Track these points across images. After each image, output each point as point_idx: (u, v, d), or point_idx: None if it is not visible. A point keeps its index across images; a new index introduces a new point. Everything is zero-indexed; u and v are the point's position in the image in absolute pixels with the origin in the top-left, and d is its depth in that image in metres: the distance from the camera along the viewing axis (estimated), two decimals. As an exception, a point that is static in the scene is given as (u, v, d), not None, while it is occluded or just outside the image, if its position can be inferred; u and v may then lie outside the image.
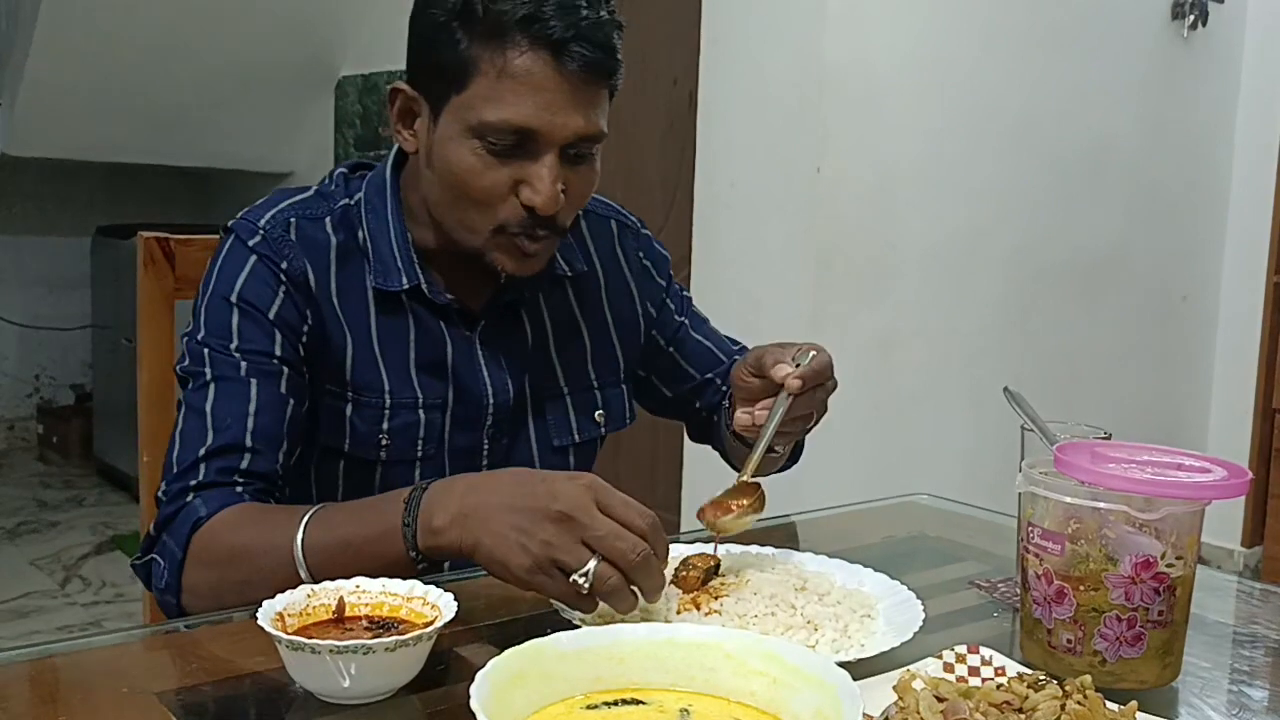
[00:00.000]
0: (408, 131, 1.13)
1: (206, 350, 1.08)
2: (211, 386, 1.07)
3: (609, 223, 1.32)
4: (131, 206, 4.60)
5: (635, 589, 0.86)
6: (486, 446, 1.20)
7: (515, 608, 0.97)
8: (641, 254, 1.33)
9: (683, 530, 1.32)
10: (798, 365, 1.08)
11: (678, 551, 1.00)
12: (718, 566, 0.97)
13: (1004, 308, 2.93)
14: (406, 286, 1.13)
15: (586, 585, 0.84)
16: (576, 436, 1.25)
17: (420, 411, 1.16)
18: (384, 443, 1.15)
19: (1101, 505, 0.84)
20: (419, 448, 1.16)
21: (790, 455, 1.29)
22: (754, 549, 1.04)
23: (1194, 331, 3.49)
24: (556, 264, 1.22)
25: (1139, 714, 0.74)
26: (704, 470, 2.75)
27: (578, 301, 1.26)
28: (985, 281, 2.88)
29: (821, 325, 2.49)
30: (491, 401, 1.18)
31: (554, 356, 1.24)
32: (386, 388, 1.14)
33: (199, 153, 4.32)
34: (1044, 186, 2.96)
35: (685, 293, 1.38)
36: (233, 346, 1.07)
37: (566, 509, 0.86)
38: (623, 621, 0.82)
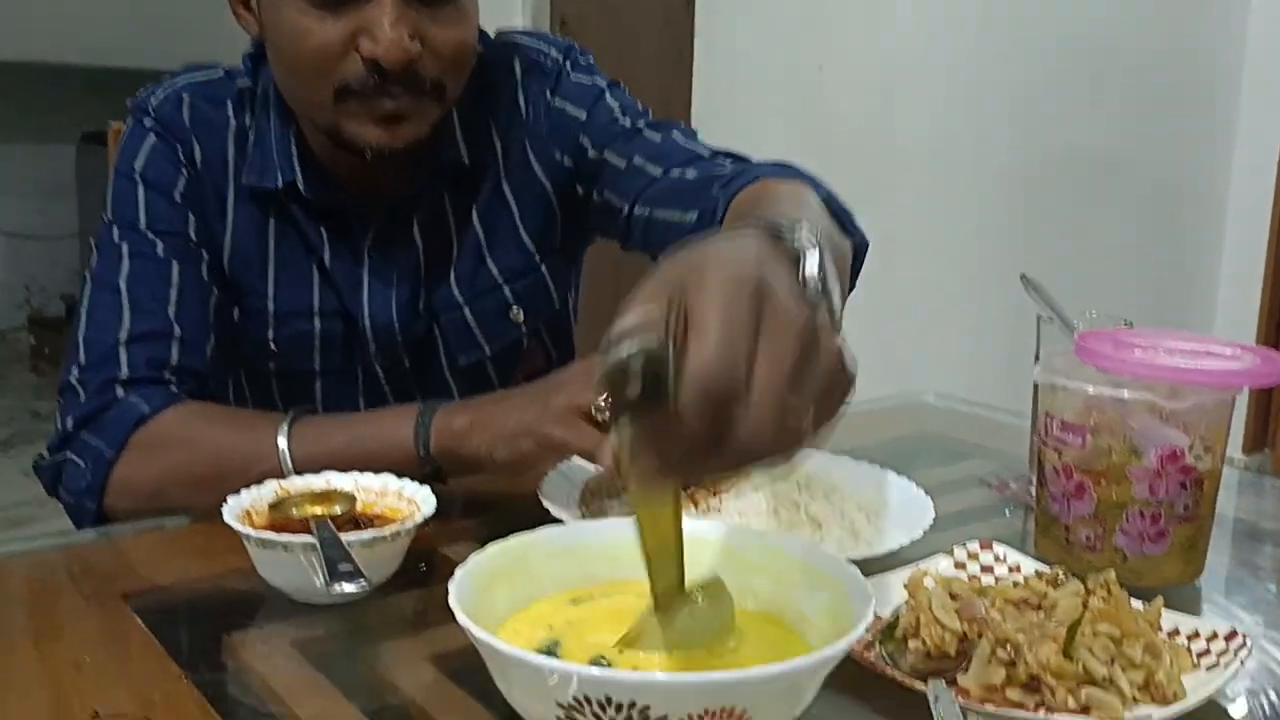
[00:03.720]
0: (245, 12, 1.00)
1: (116, 229, 1.00)
2: (126, 262, 0.99)
3: (511, 65, 1.11)
4: (115, 113, 4.48)
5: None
6: (381, 373, 1.10)
7: (500, 506, 0.93)
8: (549, 92, 1.11)
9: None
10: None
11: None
12: (716, 463, 0.92)
13: (1007, 208, 2.86)
14: (280, 185, 1.02)
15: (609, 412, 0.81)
16: (487, 348, 1.13)
17: (316, 320, 1.06)
18: (273, 351, 1.07)
19: (1125, 394, 0.78)
20: (316, 360, 1.08)
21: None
22: (754, 446, 0.99)
23: (1200, 230, 3.43)
24: (459, 150, 1.07)
25: (1164, 611, 0.70)
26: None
27: (476, 193, 1.10)
28: (988, 182, 2.81)
29: (823, 227, 2.42)
30: (369, 325, 1.07)
31: (451, 264, 1.10)
32: (271, 292, 1.05)
33: (183, 55, 4.20)
34: (1048, 85, 2.87)
35: (617, 113, 1.10)
36: (142, 225, 1.00)
37: (583, 367, 0.86)
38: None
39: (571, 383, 0.85)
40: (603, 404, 0.83)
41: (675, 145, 1.06)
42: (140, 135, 1.04)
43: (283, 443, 0.89)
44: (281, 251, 1.05)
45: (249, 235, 1.05)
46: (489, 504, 0.95)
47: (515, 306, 1.13)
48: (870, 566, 0.75)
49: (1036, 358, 0.94)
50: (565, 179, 1.12)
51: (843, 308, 0.67)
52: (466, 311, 1.11)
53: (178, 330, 0.98)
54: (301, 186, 1.03)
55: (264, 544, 0.72)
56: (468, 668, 0.63)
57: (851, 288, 1.03)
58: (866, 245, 1.06)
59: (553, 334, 1.23)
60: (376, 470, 0.84)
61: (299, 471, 0.87)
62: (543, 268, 1.15)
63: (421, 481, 0.84)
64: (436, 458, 0.90)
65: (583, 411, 0.84)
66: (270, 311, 1.06)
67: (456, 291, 1.10)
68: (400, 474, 0.84)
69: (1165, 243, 3.33)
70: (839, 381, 0.57)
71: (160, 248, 1.00)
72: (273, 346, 1.07)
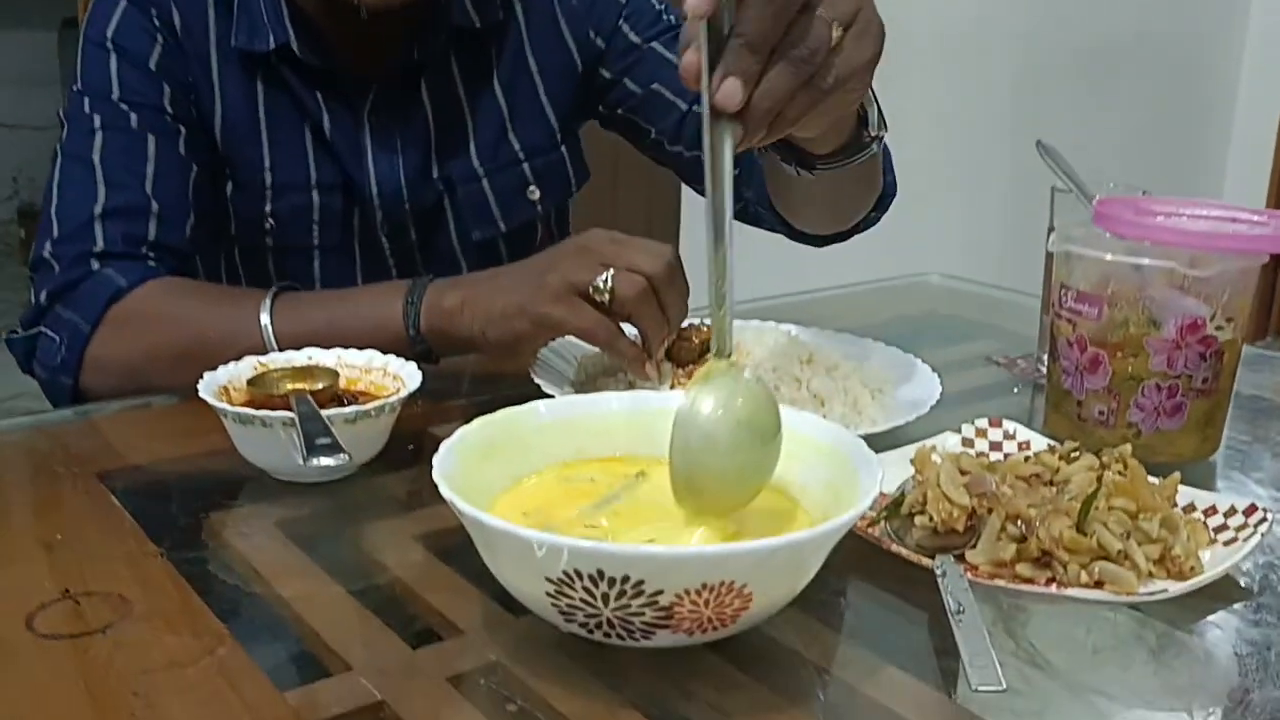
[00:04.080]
0: None
1: (87, 99, 0.95)
2: (99, 135, 0.93)
3: None
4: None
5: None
6: (387, 245, 1.06)
7: (493, 384, 0.90)
8: None
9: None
10: None
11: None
12: (715, 339, 0.89)
13: (1013, 87, 2.79)
14: (273, 46, 0.97)
15: (606, 293, 0.78)
16: (503, 224, 1.10)
17: (314, 193, 1.02)
18: (269, 226, 1.02)
19: (1145, 262, 0.75)
20: (315, 234, 1.03)
21: (879, 196, 1.00)
22: (755, 322, 0.96)
23: (1211, 119, 3.34)
24: (467, 12, 1.03)
25: (1180, 487, 0.68)
26: (703, 248, 2.67)
27: (495, 59, 1.07)
28: (997, 67, 2.73)
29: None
30: (376, 192, 1.03)
31: (469, 132, 1.07)
32: (267, 164, 1.00)
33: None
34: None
35: (657, 4, 1.11)
36: (115, 96, 0.94)
37: (580, 241, 0.81)
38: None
39: (567, 259, 0.81)
40: (600, 284, 0.79)
41: None
42: (111, 0, 0.98)
43: (265, 319, 0.86)
44: (275, 120, 1.00)
45: (239, 104, 0.99)
46: (481, 383, 0.92)
47: (533, 185, 1.11)
48: (874, 444, 0.72)
49: (1051, 229, 0.90)
50: (594, 60, 1.10)
51: None
52: (485, 184, 1.08)
53: (155, 206, 0.93)
54: (295, 48, 0.97)
55: (241, 420, 0.69)
56: (457, 547, 0.61)
57: (872, 223, 1.05)
58: (894, 194, 1.04)
59: (560, 223, 1.20)
60: (364, 348, 0.81)
61: (283, 349, 0.84)
62: (563, 148, 1.13)
63: (411, 360, 0.80)
64: (426, 337, 0.86)
65: (579, 290, 0.80)
66: (266, 184, 1.01)
67: (476, 162, 1.07)
68: (389, 352, 0.81)
69: (1173, 117, 3.25)
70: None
71: (135, 120, 0.95)
72: (269, 222, 1.02)
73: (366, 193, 1.03)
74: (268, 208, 1.02)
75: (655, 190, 2.37)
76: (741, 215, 1.10)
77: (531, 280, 0.82)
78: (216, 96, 0.99)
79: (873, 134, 0.78)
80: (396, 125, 1.03)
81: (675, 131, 1.09)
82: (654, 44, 1.09)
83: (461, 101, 1.06)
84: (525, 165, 1.10)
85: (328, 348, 0.80)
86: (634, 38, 1.09)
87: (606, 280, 0.79)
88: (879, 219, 1.06)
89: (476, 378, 0.94)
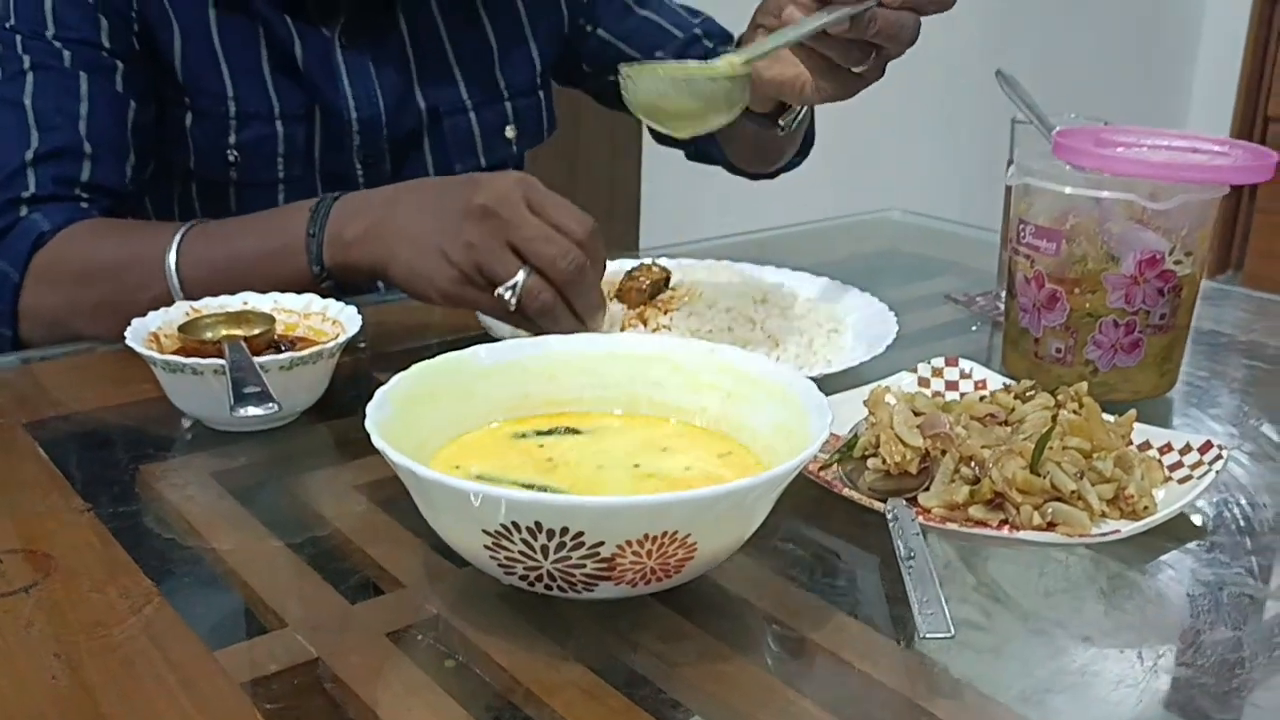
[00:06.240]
0: None
1: (18, 38, 0.90)
2: (29, 76, 0.89)
3: None
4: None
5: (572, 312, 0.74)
6: (360, 173, 1.02)
7: (437, 330, 0.87)
8: None
9: (642, 248, 1.22)
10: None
11: (621, 266, 0.89)
12: (668, 280, 0.87)
13: (980, 18, 2.76)
14: None
15: (514, 301, 0.72)
16: (483, 159, 1.08)
17: (278, 123, 0.98)
18: (232, 159, 0.98)
19: (1105, 194, 0.73)
20: (280, 167, 0.99)
21: (800, 146, 1.10)
22: (709, 261, 0.93)
23: (1177, 47, 3.33)
24: None
25: (1136, 425, 0.66)
26: (665, 188, 2.62)
27: None
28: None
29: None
30: (354, 117, 0.99)
31: (451, 60, 1.04)
32: (230, 93, 0.96)
33: None
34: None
35: None
36: (49, 35, 0.90)
37: (490, 202, 0.72)
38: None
39: (473, 225, 0.73)
40: (505, 295, 0.72)
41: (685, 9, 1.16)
42: None
43: (171, 260, 0.81)
44: (234, 46, 0.96)
45: (195, 30, 0.95)
46: (431, 328, 0.89)
47: (512, 124, 1.09)
48: (829, 384, 0.71)
49: (1010, 162, 0.88)
50: (574, 7, 1.12)
51: None
52: (473, 115, 1.06)
53: (88, 147, 0.89)
54: None
55: (170, 368, 0.66)
56: (400, 497, 0.58)
57: (795, 166, 1.15)
58: (812, 145, 1.14)
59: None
60: (266, 289, 0.77)
61: (188, 294, 0.80)
62: (541, 92, 1.12)
63: (322, 295, 0.77)
64: (332, 272, 0.80)
65: (486, 275, 0.73)
66: (230, 114, 0.97)
67: (465, 93, 1.05)
68: (299, 290, 0.77)
69: (1138, 48, 3.23)
70: None
71: (68, 58, 0.90)
72: (233, 154, 0.98)
73: (345, 117, 0.99)
74: (231, 139, 0.98)
75: (617, 141, 2.34)
76: (694, 156, 1.17)
77: (435, 235, 0.75)
78: (172, 22, 0.94)
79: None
80: (370, 48, 1.00)
81: None
82: (647, 11, 1.13)
83: (440, 28, 1.04)
84: (508, 104, 1.09)
85: (233, 290, 0.76)
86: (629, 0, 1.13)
87: (514, 289, 0.72)
88: (800, 164, 1.15)
89: (425, 322, 0.91)
